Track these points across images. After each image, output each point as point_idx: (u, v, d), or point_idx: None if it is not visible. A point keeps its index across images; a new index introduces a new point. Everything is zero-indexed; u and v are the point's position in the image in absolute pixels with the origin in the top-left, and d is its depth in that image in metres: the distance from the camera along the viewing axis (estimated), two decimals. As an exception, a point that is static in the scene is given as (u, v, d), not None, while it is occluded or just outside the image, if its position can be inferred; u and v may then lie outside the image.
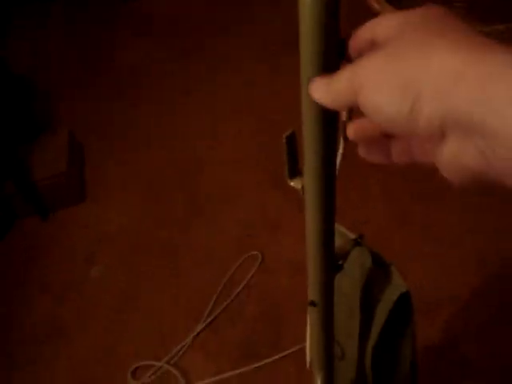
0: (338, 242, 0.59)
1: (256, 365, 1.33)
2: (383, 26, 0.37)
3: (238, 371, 1.33)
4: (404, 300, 0.69)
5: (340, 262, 0.56)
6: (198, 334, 1.41)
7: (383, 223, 1.57)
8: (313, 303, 0.62)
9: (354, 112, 0.41)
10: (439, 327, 1.34)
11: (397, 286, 0.66)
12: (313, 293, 0.61)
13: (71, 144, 1.89)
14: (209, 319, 1.43)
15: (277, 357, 1.34)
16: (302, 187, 0.51)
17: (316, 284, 0.59)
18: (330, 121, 0.42)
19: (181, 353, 1.38)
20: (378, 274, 0.67)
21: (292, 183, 0.53)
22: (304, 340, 1.36)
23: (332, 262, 0.55)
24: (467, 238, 1.51)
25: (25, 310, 1.54)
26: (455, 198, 1.58)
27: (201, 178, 1.82)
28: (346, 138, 0.44)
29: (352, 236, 0.61)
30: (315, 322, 0.67)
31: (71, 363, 1.41)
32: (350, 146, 0.45)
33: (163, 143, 1.96)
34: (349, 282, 0.68)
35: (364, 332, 0.76)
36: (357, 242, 0.60)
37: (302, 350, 1.35)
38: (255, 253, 1.56)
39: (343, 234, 0.63)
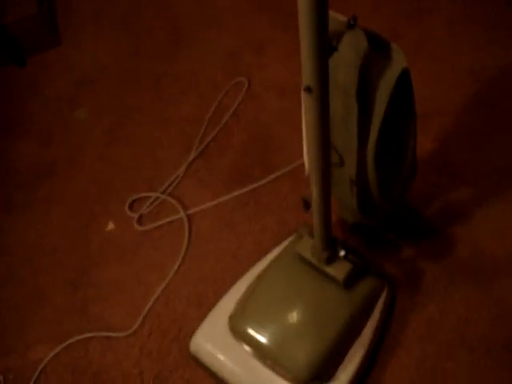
0: (331, 26, 0.55)
1: (250, 187, 1.36)
2: None
3: (233, 194, 1.35)
4: (404, 81, 0.66)
5: (333, 44, 0.53)
6: (191, 163, 1.42)
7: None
8: (308, 89, 0.59)
9: None
10: (431, 137, 1.34)
11: (398, 61, 0.63)
12: (308, 77, 0.58)
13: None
14: (200, 148, 1.43)
15: (270, 178, 1.36)
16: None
17: (310, 67, 0.56)
18: None
19: (175, 183, 1.40)
20: (375, 58, 0.63)
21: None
22: (295, 159, 1.38)
23: (325, 43, 0.52)
24: (459, 54, 1.47)
25: (13, 155, 1.53)
26: (446, 12, 1.52)
27: (180, 3, 1.71)
28: None
29: (344, 19, 0.57)
30: (311, 112, 0.66)
31: (66, 202, 1.43)
32: None
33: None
34: (344, 72, 0.65)
35: (364, 128, 0.75)
36: (350, 24, 0.56)
37: (294, 169, 1.38)
38: (242, 79, 1.51)
39: (335, 18, 0.58)
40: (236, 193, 1.35)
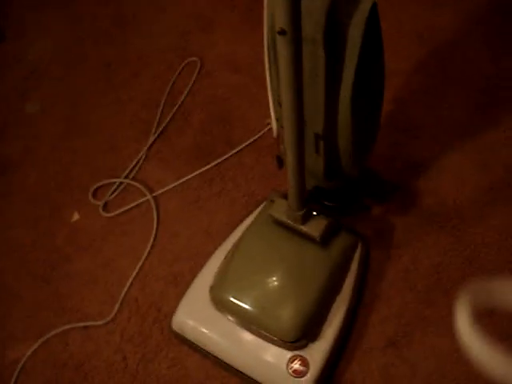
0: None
1: (214, 163, 1.36)
2: None
3: (198, 172, 1.35)
4: (374, 18, 0.68)
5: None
6: (151, 145, 1.41)
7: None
8: (282, 31, 0.60)
9: None
10: (387, 98, 1.37)
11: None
12: (281, 20, 0.59)
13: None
14: (159, 130, 1.42)
15: (233, 152, 1.36)
16: None
17: (283, 10, 0.57)
18: None
19: (138, 166, 1.38)
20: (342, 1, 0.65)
21: None
22: (257, 132, 1.39)
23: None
24: (406, 14, 1.51)
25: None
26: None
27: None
28: None
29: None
30: (285, 56, 0.66)
31: (26, 197, 1.39)
32: None
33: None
34: (311, 21, 0.66)
35: (334, 78, 0.76)
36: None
37: (256, 141, 1.39)
38: (194, 58, 1.51)
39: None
40: (200, 170, 1.35)
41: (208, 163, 1.35)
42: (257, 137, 1.37)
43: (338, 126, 0.90)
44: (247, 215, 1.22)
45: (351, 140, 0.92)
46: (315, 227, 1.03)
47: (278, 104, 0.91)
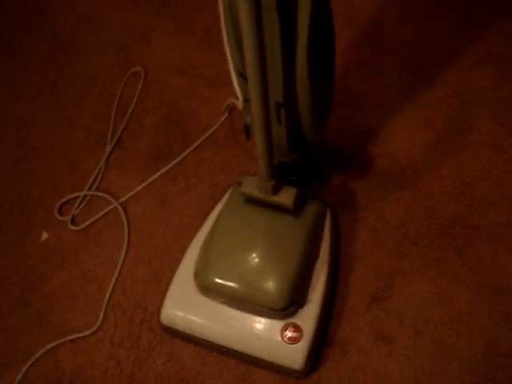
0: None
1: (174, 162, 1.38)
2: None
3: (159, 173, 1.37)
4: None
5: None
6: (109, 155, 1.42)
7: None
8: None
9: None
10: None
11: None
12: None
13: None
14: (114, 139, 1.44)
15: (191, 149, 1.40)
16: None
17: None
18: None
19: (99, 178, 1.39)
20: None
21: None
22: (210, 126, 1.43)
23: None
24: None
25: None
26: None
27: (53, 10, 1.72)
28: None
29: None
30: (246, 19, 0.71)
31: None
32: None
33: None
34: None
35: (290, 42, 0.82)
36: None
37: (211, 135, 1.43)
38: (137, 68, 1.54)
39: None
40: (163, 170, 1.37)
41: (168, 162, 1.38)
42: (211, 131, 1.41)
43: (297, 91, 0.95)
44: (216, 204, 1.25)
45: (311, 105, 0.98)
46: (287, 196, 1.08)
47: (240, 75, 0.95)
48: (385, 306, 1.17)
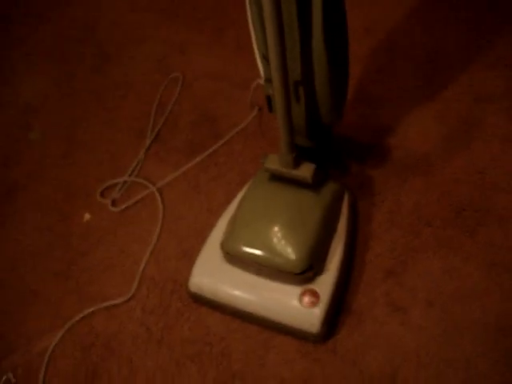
0: None
1: (207, 153, 1.51)
2: None
3: (193, 162, 1.50)
4: None
5: None
6: (148, 148, 1.56)
7: None
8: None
9: None
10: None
11: None
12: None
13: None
14: (153, 134, 1.58)
15: (222, 142, 1.53)
16: None
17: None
18: None
19: (139, 167, 1.52)
20: None
21: None
22: (240, 123, 1.55)
23: None
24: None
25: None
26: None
27: (100, 29, 1.91)
28: None
29: None
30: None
31: (38, 212, 1.50)
32: None
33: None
34: None
35: (306, 24, 0.94)
36: None
37: (241, 130, 1.55)
38: (176, 74, 1.70)
39: None
40: (196, 160, 1.50)
41: (202, 154, 1.51)
42: (241, 127, 1.53)
43: (315, 70, 1.07)
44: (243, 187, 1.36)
45: (328, 83, 1.09)
46: (306, 170, 1.18)
47: (264, 58, 1.08)
48: (399, 280, 1.24)
